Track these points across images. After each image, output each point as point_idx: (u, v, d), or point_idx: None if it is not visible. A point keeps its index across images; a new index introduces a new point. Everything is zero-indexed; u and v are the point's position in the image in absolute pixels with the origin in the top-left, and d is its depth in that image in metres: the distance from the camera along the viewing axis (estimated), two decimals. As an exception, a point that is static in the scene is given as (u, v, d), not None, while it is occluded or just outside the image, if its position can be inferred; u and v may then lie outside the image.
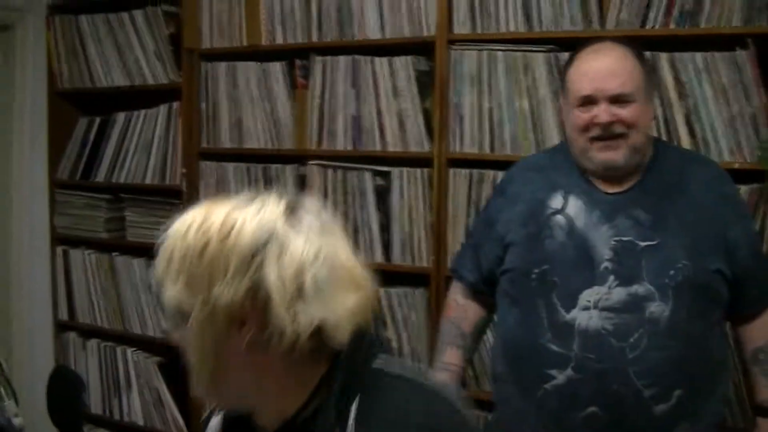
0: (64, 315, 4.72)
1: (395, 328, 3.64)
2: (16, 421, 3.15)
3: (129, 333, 4.48)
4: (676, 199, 2.47)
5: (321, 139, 3.82)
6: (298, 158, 3.89)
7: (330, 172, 3.77)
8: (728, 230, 2.47)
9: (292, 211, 1.52)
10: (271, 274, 1.44)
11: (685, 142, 3.09)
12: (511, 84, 3.36)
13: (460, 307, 2.83)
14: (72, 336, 4.70)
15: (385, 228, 3.68)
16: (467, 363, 2.91)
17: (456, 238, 3.44)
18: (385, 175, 3.67)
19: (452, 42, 3.47)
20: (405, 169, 3.61)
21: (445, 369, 2.81)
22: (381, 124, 3.67)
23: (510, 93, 3.37)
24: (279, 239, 1.46)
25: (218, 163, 4.14)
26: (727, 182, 2.60)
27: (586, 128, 2.47)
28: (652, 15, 3.13)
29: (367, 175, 3.69)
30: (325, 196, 3.77)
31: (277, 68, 3.92)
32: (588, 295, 2.39)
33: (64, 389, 3.80)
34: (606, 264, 2.40)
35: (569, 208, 2.50)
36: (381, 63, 3.64)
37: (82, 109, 4.70)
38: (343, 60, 3.74)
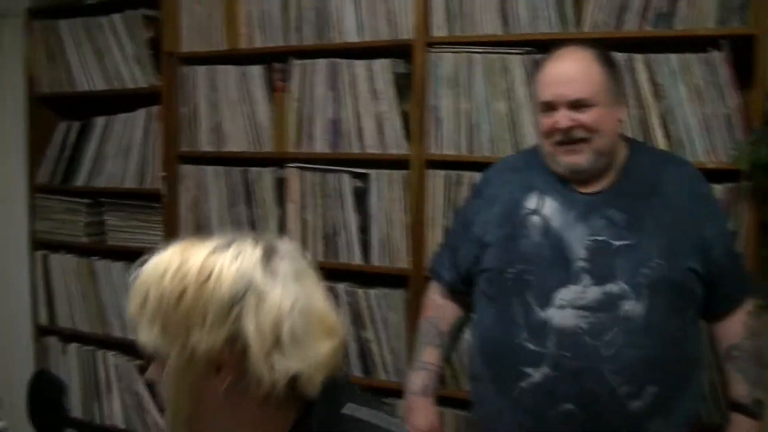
0: (44, 319, 4.71)
1: (374, 328, 3.66)
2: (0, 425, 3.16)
3: (109, 337, 4.48)
4: (651, 200, 2.50)
5: (300, 141, 3.83)
6: (277, 161, 3.90)
7: (309, 174, 3.79)
8: (703, 230, 2.51)
9: (268, 257, 1.53)
10: (250, 325, 1.46)
11: (661, 143, 3.12)
12: (488, 86, 3.38)
13: (439, 307, 2.86)
14: (52, 340, 4.69)
15: (364, 229, 3.69)
16: (446, 362, 2.96)
17: (434, 239, 3.46)
18: (364, 177, 3.68)
19: (430, 45, 3.48)
20: (383, 171, 3.63)
21: (423, 368, 2.84)
22: (359, 127, 3.68)
23: (487, 95, 3.39)
24: (257, 289, 1.48)
25: (198, 166, 4.14)
26: (702, 182, 2.63)
27: (549, 133, 2.52)
28: (627, 17, 3.16)
29: (346, 177, 3.71)
30: (304, 198, 3.79)
31: (256, 72, 3.93)
32: (563, 294, 2.42)
33: (45, 393, 3.81)
34: (581, 263, 2.43)
35: (545, 208, 2.53)
36: (359, 66, 3.66)
37: (61, 113, 4.69)
38: (321, 63, 3.75)
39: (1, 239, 4.69)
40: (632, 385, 2.38)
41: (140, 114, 4.30)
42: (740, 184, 3.01)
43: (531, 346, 2.44)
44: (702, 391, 2.74)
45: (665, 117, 3.12)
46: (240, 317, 1.46)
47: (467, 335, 2.93)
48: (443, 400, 3.13)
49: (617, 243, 2.43)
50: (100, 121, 4.46)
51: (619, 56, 3.11)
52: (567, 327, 2.40)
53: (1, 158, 4.67)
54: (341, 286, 3.72)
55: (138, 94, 4.30)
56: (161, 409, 1.56)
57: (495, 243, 2.60)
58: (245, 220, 3.97)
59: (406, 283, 3.58)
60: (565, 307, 2.41)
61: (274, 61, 3.91)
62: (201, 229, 4.11)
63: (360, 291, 3.69)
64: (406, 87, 3.58)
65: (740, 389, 2.60)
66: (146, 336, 1.51)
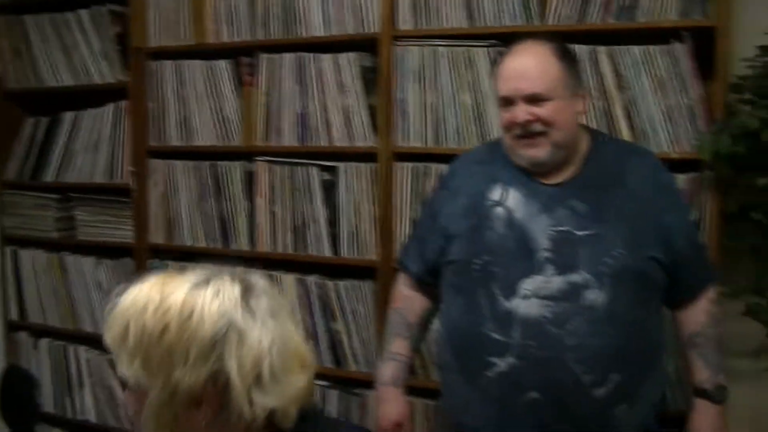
0: (14, 315, 4.70)
1: (344, 319, 3.68)
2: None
3: (80, 331, 4.47)
4: (613, 190, 2.54)
5: (268, 135, 3.84)
6: (245, 155, 3.92)
7: (277, 167, 3.80)
8: (664, 218, 2.54)
9: (247, 294, 1.58)
10: (232, 363, 1.52)
11: (625, 134, 3.15)
12: (454, 79, 3.41)
13: (407, 299, 2.89)
14: (23, 336, 4.68)
15: (333, 222, 3.71)
16: (415, 352, 2.97)
17: (402, 231, 3.49)
18: (332, 170, 3.70)
19: (396, 38, 3.50)
20: (351, 164, 3.64)
21: (393, 359, 2.87)
22: (327, 120, 3.70)
23: (453, 87, 3.41)
24: (238, 328, 1.53)
25: (166, 160, 4.14)
26: (664, 172, 2.67)
27: (509, 127, 2.56)
28: (591, 9, 3.19)
29: (314, 171, 3.72)
30: (273, 191, 3.81)
31: (223, 66, 3.94)
32: (527, 284, 2.45)
33: (17, 388, 3.82)
34: (544, 254, 2.46)
35: (509, 199, 2.56)
36: (326, 60, 3.67)
37: (29, 109, 4.67)
38: (288, 57, 3.76)
39: (-29, 236, 4.68)
40: (596, 373, 2.41)
41: (108, 109, 4.29)
42: (703, 174, 3.05)
43: (496, 336, 2.47)
44: (666, 378, 2.78)
45: (629, 108, 3.16)
46: (222, 355, 1.52)
47: (436, 325, 2.96)
48: (413, 390, 3.15)
49: (580, 233, 2.46)
50: (68, 117, 4.45)
51: (583, 48, 3.16)
52: (531, 317, 2.43)
53: (-31, 155, 4.66)
54: (311, 278, 3.75)
55: (106, 89, 4.29)
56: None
57: (460, 234, 2.63)
58: (215, 213, 3.99)
59: (374, 274, 3.60)
60: (530, 297, 2.44)
61: (242, 55, 3.92)
62: (171, 223, 4.12)
63: (329, 283, 3.71)
64: (372, 80, 3.60)
65: (703, 375, 2.65)
66: (126, 368, 1.56)
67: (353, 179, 3.64)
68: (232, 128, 3.95)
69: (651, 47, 3.12)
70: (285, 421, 1.59)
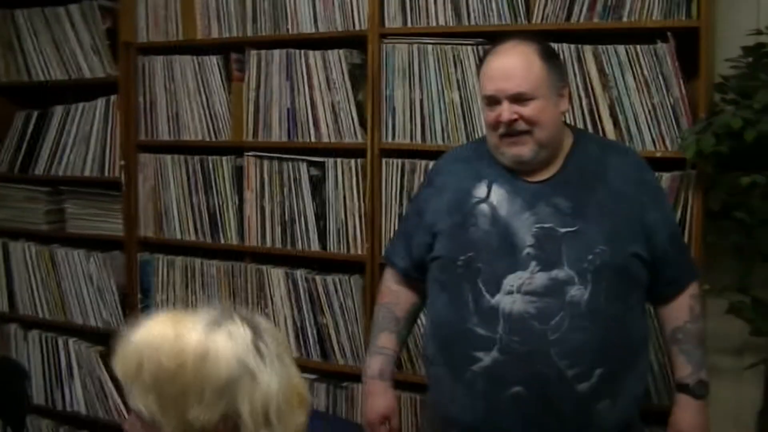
0: (4, 307, 4.71)
1: (332, 314, 3.71)
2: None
3: (70, 323, 4.49)
4: (596, 187, 2.57)
5: (257, 131, 3.87)
6: (234, 150, 3.94)
7: (266, 163, 3.83)
8: (646, 215, 2.58)
9: (256, 338, 1.66)
10: (245, 404, 1.60)
11: (609, 132, 3.18)
12: (441, 76, 3.43)
13: (393, 294, 2.91)
14: (13, 327, 4.69)
15: (321, 217, 3.73)
16: (401, 347, 2.99)
17: (389, 226, 3.53)
18: (320, 166, 3.72)
19: (384, 36, 3.53)
20: (339, 160, 3.67)
21: (380, 353, 2.89)
22: (315, 116, 3.72)
23: (440, 85, 3.44)
24: (250, 371, 1.62)
25: (156, 155, 4.17)
26: (645, 169, 2.71)
27: (493, 126, 2.59)
28: (576, 9, 3.21)
29: (302, 166, 3.75)
30: (262, 186, 3.84)
31: (212, 62, 3.97)
32: (511, 280, 2.48)
33: (6, 380, 3.82)
34: (528, 250, 2.49)
35: (493, 196, 2.59)
36: (315, 56, 3.69)
37: (19, 102, 4.69)
38: (277, 53, 3.78)
39: (-39, 228, 4.70)
40: (579, 367, 2.45)
41: (99, 103, 4.31)
42: (686, 172, 3.08)
43: (481, 331, 2.51)
44: (647, 372, 2.81)
45: (613, 107, 3.18)
46: (235, 397, 1.60)
47: (422, 320, 2.99)
48: (400, 384, 3.19)
49: (563, 230, 2.49)
50: (58, 111, 4.47)
51: (568, 47, 3.19)
52: (515, 312, 2.47)
53: (-41, 148, 4.67)
54: (299, 273, 3.77)
55: (96, 83, 4.31)
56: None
57: (445, 231, 2.66)
58: (204, 208, 4.02)
59: (362, 269, 3.63)
60: (514, 293, 2.48)
61: (231, 51, 3.95)
62: (160, 217, 4.15)
63: (317, 277, 3.73)
64: (360, 77, 3.63)
65: (685, 371, 2.68)
66: (141, 402, 1.63)
67: (341, 175, 3.66)
68: (222, 123, 3.98)
69: (636, 47, 3.14)
70: None
